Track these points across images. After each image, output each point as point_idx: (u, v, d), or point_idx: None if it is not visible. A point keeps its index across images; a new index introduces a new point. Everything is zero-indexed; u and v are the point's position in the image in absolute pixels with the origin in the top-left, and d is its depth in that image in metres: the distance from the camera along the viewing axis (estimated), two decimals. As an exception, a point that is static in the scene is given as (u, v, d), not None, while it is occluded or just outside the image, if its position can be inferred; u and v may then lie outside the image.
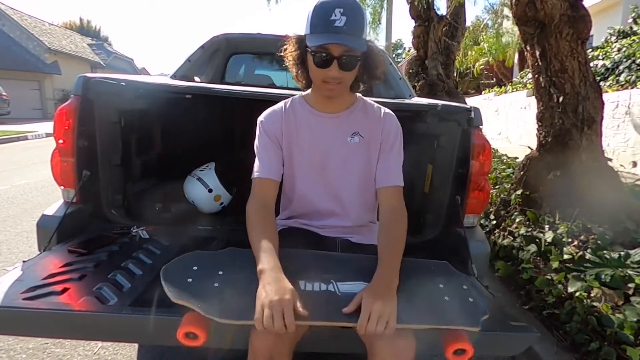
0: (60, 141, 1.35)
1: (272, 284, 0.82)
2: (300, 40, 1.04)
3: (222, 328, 0.81)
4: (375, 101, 1.23)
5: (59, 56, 20.01)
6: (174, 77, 2.16)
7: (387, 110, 1.19)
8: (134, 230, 1.37)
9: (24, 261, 1.06)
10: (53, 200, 1.43)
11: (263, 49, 2.72)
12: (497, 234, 2.61)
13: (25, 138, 9.70)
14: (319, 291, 0.89)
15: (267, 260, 0.88)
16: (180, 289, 0.83)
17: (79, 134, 1.33)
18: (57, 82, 19.63)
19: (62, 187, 1.40)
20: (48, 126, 11.93)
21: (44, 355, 1.58)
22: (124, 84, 1.38)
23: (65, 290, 0.94)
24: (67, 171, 1.35)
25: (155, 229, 1.42)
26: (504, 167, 4.22)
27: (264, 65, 3.08)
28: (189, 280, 0.86)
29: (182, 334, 0.79)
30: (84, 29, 32.66)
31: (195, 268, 0.89)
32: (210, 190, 1.71)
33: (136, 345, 1.66)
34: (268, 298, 0.79)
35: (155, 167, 1.87)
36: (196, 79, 2.29)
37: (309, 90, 1.16)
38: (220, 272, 0.90)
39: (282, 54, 1.10)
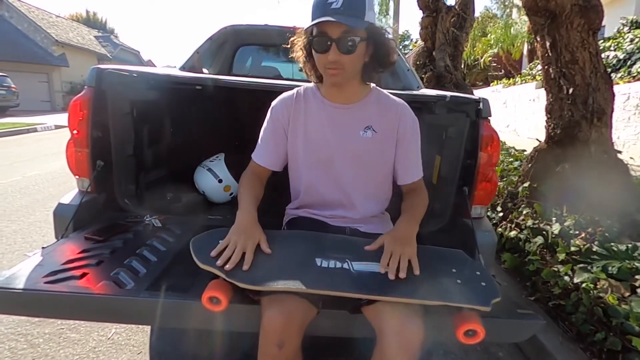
0: (75, 132, 1.38)
1: (242, 226, 0.97)
2: (306, 32, 1.03)
3: (242, 296, 0.89)
4: None
5: (67, 48, 20.12)
6: (182, 68, 2.17)
7: (402, 102, 1.18)
8: (147, 219, 1.41)
9: (43, 247, 1.10)
10: (65, 190, 1.47)
11: (270, 41, 2.72)
12: (503, 226, 2.62)
13: (35, 130, 9.81)
14: (334, 268, 0.93)
15: (246, 211, 1.03)
16: (207, 257, 0.90)
17: (93, 125, 1.36)
18: (64, 75, 19.77)
19: (77, 177, 1.43)
20: (57, 118, 12.08)
21: (60, 339, 1.63)
22: (136, 75, 1.40)
23: (84, 275, 0.98)
24: (81, 161, 1.38)
25: (167, 218, 1.45)
26: (512, 159, 4.20)
27: (271, 57, 3.08)
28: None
29: (207, 298, 0.85)
30: (91, 21, 32.76)
31: (220, 241, 0.96)
32: (220, 181, 1.74)
33: (148, 331, 1.71)
34: (235, 234, 0.94)
35: (166, 158, 1.90)
36: (204, 70, 2.31)
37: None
38: None
39: (289, 47, 1.10)
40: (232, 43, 2.61)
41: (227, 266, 0.89)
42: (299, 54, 1.08)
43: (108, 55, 24.28)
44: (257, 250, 0.97)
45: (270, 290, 0.86)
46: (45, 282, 0.91)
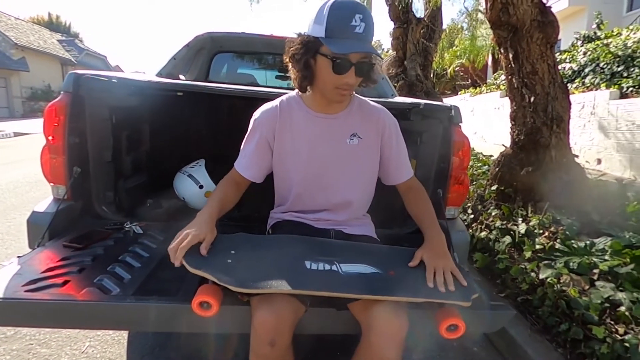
0: (50, 138, 1.35)
1: (198, 221, 0.97)
2: (309, 42, 0.99)
3: (232, 300, 0.89)
4: None
5: (27, 52, 19.15)
6: (159, 75, 2.16)
7: (381, 107, 1.23)
8: (127, 226, 1.39)
9: (18, 256, 1.07)
10: (28, 201, 1.43)
11: (248, 48, 2.74)
12: (474, 227, 2.74)
13: (-8, 137, 9.26)
14: (324, 270, 0.96)
15: (206, 208, 1.04)
16: (197, 262, 0.90)
17: (69, 131, 1.33)
18: (24, 80, 18.79)
19: (52, 184, 1.39)
20: (16, 125, 11.44)
21: (29, 355, 1.56)
22: (115, 81, 1.39)
23: (66, 282, 0.96)
24: (57, 168, 1.35)
25: (148, 224, 1.44)
26: (480, 164, 4.40)
27: (247, 64, 3.11)
28: (205, 255, 0.93)
29: (197, 304, 0.85)
30: (53, 25, 31.33)
31: (210, 246, 0.96)
32: (201, 187, 1.73)
33: (125, 342, 1.66)
34: (185, 229, 0.94)
35: (146, 164, 1.88)
36: (181, 77, 2.30)
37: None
38: (233, 252, 0.97)
39: (283, 54, 1.07)
40: (209, 50, 2.61)
41: (172, 259, 0.89)
42: (296, 64, 1.04)
43: (72, 60, 23.31)
44: (249, 253, 0.98)
45: (263, 292, 0.87)
46: (26, 291, 0.88)
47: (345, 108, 1.16)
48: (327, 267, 0.97)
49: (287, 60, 1.06)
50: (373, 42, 1.09)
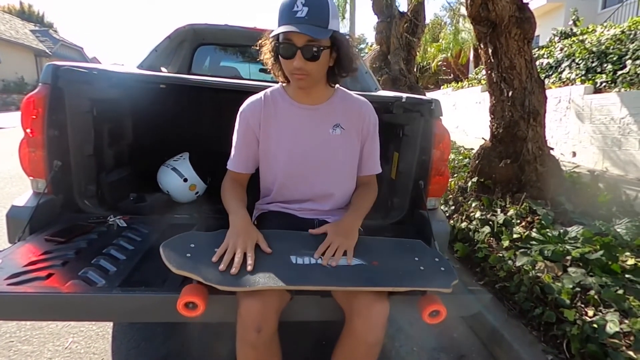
0: (28, 130, 1.32)
1: (238, 228, 1.00)
2: (273, 37, 1.06)
3: (219, 299, 0.88)
4: None
5: (-2, 43, 18.34)
6: (140, 67, 2.12)
7: (365, 100, 1.26)
8: (110, 219, 1.38)
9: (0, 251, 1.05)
10: (3, 197, 1.40)
11: (231, 41, 2.72)
12: (455, 218, 2.82)
13: (-37, 132, 8.85)
14: (309, 264, 0.98)
15: (238, 213, 1.07)
16: (180, 262, 0.89)
17: (49, 124, 1.31)
18: (-4, 71, 18.00)
19: (31, 178, 1.37)
20: (-12, 119, 10.95)
21: (10, 353, 1.53)
22: (95, 72, 1.37)
23: (50, 275, 0.95)
24: (36, 161, 1.33)
25: (131, 218, 1.43)
26: (461, 157, 4.51)
27: (230, 57, 3.08)
28: (188, 255, 0.92)
29: (182, 305, 0.84)
30: (25, 14, 30.00)
31: (192, 245, 0.95)
32: (185, 180, 1.72)
33: (109, 338, 1.65)
34: (232, 237, 0.97)
35: (128, 157, 1.85)
36: (163, 69, 2.27)
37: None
38: (216, 249, 0.96)
39: (257, 48, 1.13)
40: (191, 42, 2.58)
41: (232, 270, 0.90)
42: (267, 56, 1.12)
43: (47, 51, 22.40)
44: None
45: (250, 290, 0.88)
46: (9, 285, 0.88)
47: (329, 99, 1.19)
48: (313, 261, 0.99)
49: (262, 54, 1.13)
50: (357, 35, 1.11)
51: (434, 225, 1.45)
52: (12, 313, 0.90)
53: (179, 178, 1.71)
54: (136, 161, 1.88)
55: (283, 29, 0.99)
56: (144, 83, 1.59)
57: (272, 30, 1.06)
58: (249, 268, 0.90)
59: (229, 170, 1.22)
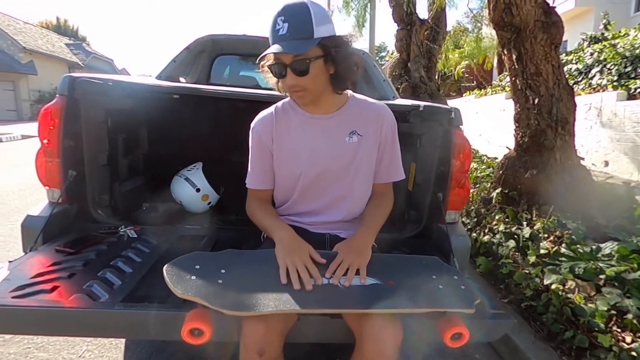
0: (45, 141, 1.34)
1: (288, 244, 0.99)
2: (267, 58, 1.04)
3: (226, 323, 0.84)
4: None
5: (35, 56, 19.41)
6: (159, 77, 2.15)
7: (382, 103, 1.21)
8: (121, 230, 1.37)
9: (9, 261, 1.05)
10: (32, 203, 1.42)
11: (249, 51, 2.73)
12: (478, 231, 2.70)
13: (0, 140, 9.37)
14: (320, 285, 0.92)
15: (281, 228, 1.06)
16: (185, 286, 0.84)
17: (64, 134, 1.32)
18: (32, 83, 19.05)
19: (47, 187, 1.38)
20: (23, 128, 11.57)
21: (27, 359, 1.55)
22: (111, 83, 1.38)
23: (55, 288, 0.94)
24: (52, 171, 1.34)
25: (142, 228, 1.42)
26: (484, 167, 4.36)
27: (249, 67, 3.10)
28: (193, 277, 0.87)
29: (187, 331, 0.80)
30: (61, 29, 31.78)
31: (197, 267, 0.91)
32: (198, 190, 1.71)
33: (122, 348, 1.65)
34: (287, 255, 0.95)
35: (142, 167, 1.86)
36: (181, 79, 2.30)
37: None
38: (223, 271, 0.92)
39: (259, 70, 1.10)
40: (210, 52, 2.61)
41: (307, 287, 0.89)
42: (269, 76, 1.09)
43: (80, 63, 23.58)
44: (240, 271, 0.94)
45: (259, 315, 0.83)
46: (13, 297, 0.87)
47: (342, 107, 1.15)
48: (325, 281, 0.94)
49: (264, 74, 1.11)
50: (378, 44, 1.06)
51: (453, 240, 1.37)
52: (14, 327, 0.89)
53: (191, 188, 1.71)
54: (150, 171, 1.89)
55: (268, 50, 0.98)
56: (157, 93, 1.60)
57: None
58: (319, 282, 0.90)
59: (250, 190, 1.19)
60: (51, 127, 1.32)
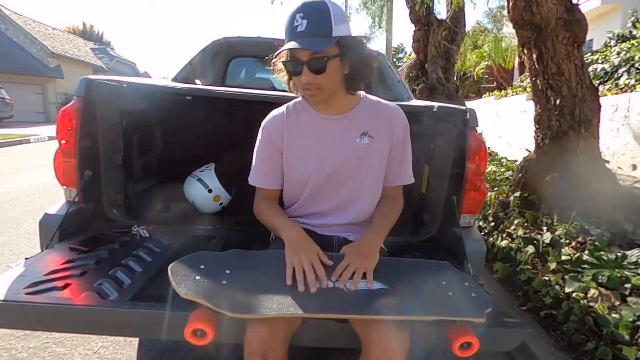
0: (63, 142, 1.37)
1: (296, 243, 0.97)
2: (281, 55, 1.04)
3: (229, 325, 0.83)
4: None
5: (62, 60, 20.18)
6: (175, 79, 2.19)
7: (395, 105, 1.19)
8: (134, 229, 1.39)
9: (26, 258, 1.08)
10: (54, 202, 1.45)
11: (264, 53, 2.74)
12: (495, 236, 2.63)
13: (28, 141, 9.76)
14: (326, 288, 0.91)
15: (289, 227, 1.04)
16: (189, 286, 0.84)
17: (81, 135, 1.35)
18: (59, 86, 19.78)
19: (64, 187, 1.42)
20: (50, 129, 12.01)
21: (45, 354, 1.60)
22: (125, 85, 1.41)
23: (66, 285, 0.96)
24: (69, 171, 1.38)
25: (155, 228, 1.44)
26: (503, 169, 4.24)
27: (264, 69, 3.11)
28: (197, 278, 0.87)
29: (190, 332, 0.79)
30: (87, 34, 32.98)
31: (202, 267, 0.91)
32: (210, 191, 1.73)
33: (136, 344, 1.68)
34: (295, 254, 0.94)
35: (156, 168, 1.90)
36: (197, 81, 2.33)
37: None
38: (228, 271, 0.91)
39: (271, 68, 1.10)
40: (225, 55, 2.63)
41: (312, 289, 0.87)
42: (281, 73, 1.09)
43: (104, 67, 24.36)
44: (245, 272, 0.93)
45: (262, 317, 0.82)
46: (27, 293, 0.89)
47: (354, 107, 1.14)
48: (330, 284, 0.92)
49: (276, 73, 1.11)
50: (395, 45, 1.04)
51: (467, 245, 1.33)
52: (26, 323, 0.91)
53: (203, 189, 1.72)
54: (163, 171, 1.92)
55: (285, 46, 0.97)
56: (170, 95, 1.62)
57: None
58: (324, 284, 0.89)
59: (258, 190, 1.18)
60: (69, 128, 1.35)
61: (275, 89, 2.76)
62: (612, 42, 7.34)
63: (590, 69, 4.51)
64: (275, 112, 1.17)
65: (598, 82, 5.77)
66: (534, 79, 2.74)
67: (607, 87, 5.54)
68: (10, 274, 0.97)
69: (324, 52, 0.97)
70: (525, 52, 2.76)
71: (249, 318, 0.82)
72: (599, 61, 6.37)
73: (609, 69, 5.89)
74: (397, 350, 0.83)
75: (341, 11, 1.00)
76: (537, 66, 2.65)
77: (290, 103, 1.18)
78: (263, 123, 1.17)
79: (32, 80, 18.50)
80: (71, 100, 1.39)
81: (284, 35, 1.00)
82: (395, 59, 28.58)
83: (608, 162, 2.69)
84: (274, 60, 1.08)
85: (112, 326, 0.90)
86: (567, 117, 2.55)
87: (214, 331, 0.80)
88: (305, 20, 0.95)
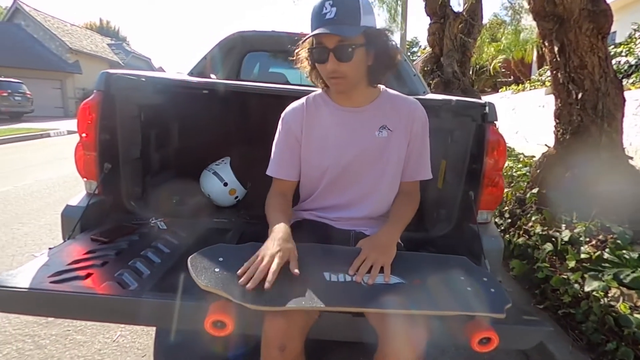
0: (84, 135, 1.40)
1: (274, 239, 0.93)
2: (307, 43, 1.05)
3: (248, 317, 0.83)
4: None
5: (80, 56, 20.58)
6: (191, 74, 2.20)
7: (414, 99, 1.18)
8: (152, 221, 1.42)
9: (50, 248, 1.12)
10: (75, 194, 1.49)
11: (278, 47, 2.74)
12: (512, 233, 2.58)
13: (48, 135, 10.02)
14: (344, 282, 0.91)
15: (278, 227, 0.99)
16: (208, 277, 0.85)
17: (101, 128, 1.38)
18: (78, 81, 20.19)
19: (85, 179, 1.45)
20: (69, 124, 12.30)
21: (66, 341, 1.65)
22: (144, 79, 1.42)
23: (89, 275, 0.99)
24: (89, 164, 1.41)
25: (171, 220, 1.46)
26: (521, 165, 4.15)
27: (278, 63, 3.11)
28: (216, 270, 0.88)
29: (210, 323, 0.80)
30: (104, 29, 33.56)
31: (221, 259, 0.92)
32: (225, 184, 1.75)
33: (153, 333, 1.71)
34: (263, 249, 0.90)
35: (173, 161, 1.92)
36: (212, 76, 2.34)
37: None
38: (246, 264, 0.91)
39: (294, 58, 1.11)
40: (240, 49, 2.64)
41: (248, 285, 0.83)
42: (304, 64, 1.09)
43: (120, 62, 24.74)
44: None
45: (280, 310, 0.83)
46: (51, 282, 0.92)
47: (374, 100, 1.14)
48: (348, 278, 0.92)
49: (299, 63, 1.11)
50: (410, 39, 1.04)
51: (485, 241, 1.31)
52: (50, 311, 0.94)
53: (219, 182, 1.74)
54: (180, 165, 1.95)
55: (314, 32, 0.97)
56: (186, 89, 1.64)
57: (306, 38, 1.03)
58: (266, 286, 0.83)
59: (274, 181, 1.18)
60: (89, 122, 1.38)
61: (289, 84, 2.76)
62: (637, 34, 7.07)
63: (613, 61, 4.34)
64: (295, 103, 1.18)
65: (622, 75, 5.57)
66: (554, 72, 2.66)
67: (630, 80, 5.35)
68: (35, 263, 1.00)
69: (351, 40, 0.97)
70: (546, 44, 2.67)
71: (268, 310, 0.83)
72: (623, 54, 6.15)
73: (633, 62, 5.68)
74: (415, 345, 0.83)
75: (369, 2, 1.01)
76: (558, 59, 2.57)
77: (310, 95, 1.19)
78: (283, 114, 1.18)
79: (51, 76, 18.92)
80: (91, 95, 1.41)
81: (310, 23, 1.00)
82: (409, 53, 28.19)
83: (631, 158, 2.60)
84: (297, 50, 1.08)
85: (132, 315, 0.92)
86: (589, 111, 2.47)
87: (233, 323, 0.81)
88: (334, 7, 0.95)
